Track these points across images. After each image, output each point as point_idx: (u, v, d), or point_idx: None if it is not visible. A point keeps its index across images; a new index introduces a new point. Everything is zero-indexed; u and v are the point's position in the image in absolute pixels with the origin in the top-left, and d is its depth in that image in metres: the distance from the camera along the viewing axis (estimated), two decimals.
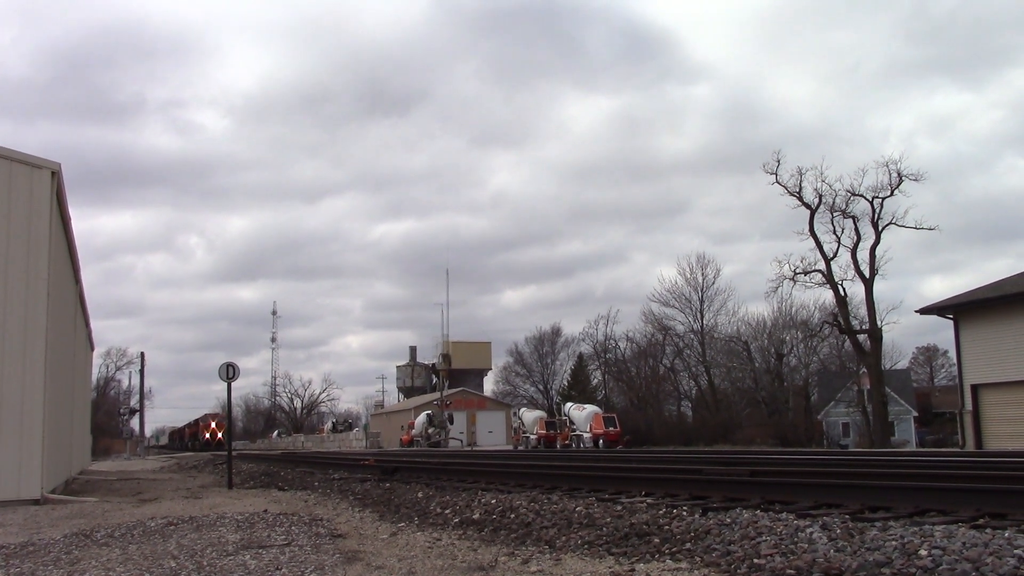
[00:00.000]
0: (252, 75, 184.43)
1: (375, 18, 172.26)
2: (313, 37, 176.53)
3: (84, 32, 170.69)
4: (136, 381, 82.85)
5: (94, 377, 77.87)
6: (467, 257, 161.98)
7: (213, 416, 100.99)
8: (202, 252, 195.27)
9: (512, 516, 10.04)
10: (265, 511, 12.89)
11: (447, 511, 11.29)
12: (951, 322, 35.36)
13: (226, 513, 12.75)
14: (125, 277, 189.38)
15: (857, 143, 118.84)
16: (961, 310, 34.80)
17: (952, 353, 42.19)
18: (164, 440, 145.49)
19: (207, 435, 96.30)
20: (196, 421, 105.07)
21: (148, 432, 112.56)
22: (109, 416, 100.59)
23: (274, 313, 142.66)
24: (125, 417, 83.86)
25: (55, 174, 17.40)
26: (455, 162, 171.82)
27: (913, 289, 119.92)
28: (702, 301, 76.53)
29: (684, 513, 8.81)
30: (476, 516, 10.51)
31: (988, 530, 6.73)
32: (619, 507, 9.70)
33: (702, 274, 76.81)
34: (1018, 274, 36.09)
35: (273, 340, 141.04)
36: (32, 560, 8.81)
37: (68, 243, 22.15)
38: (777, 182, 49.09)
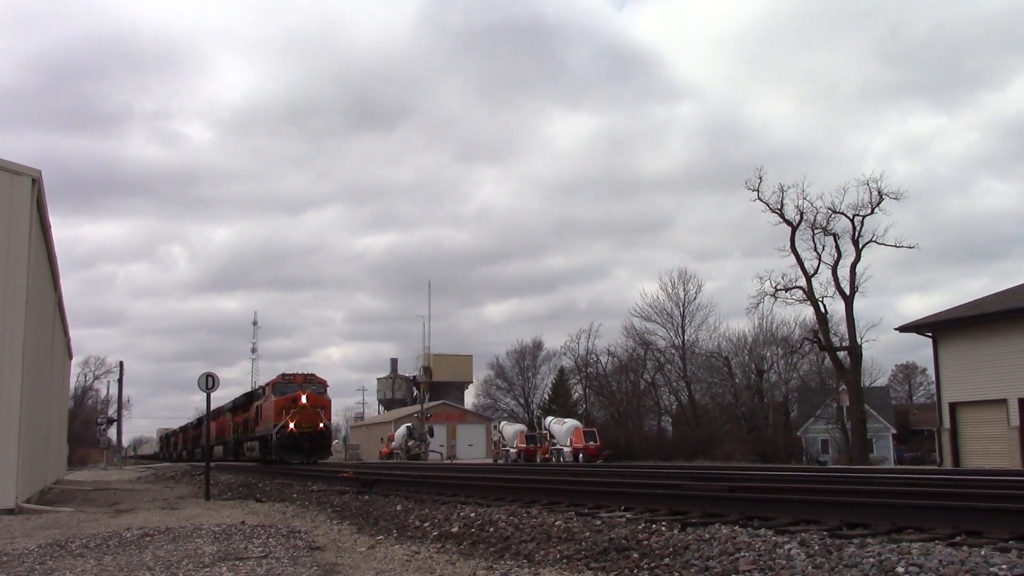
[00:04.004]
0: (239, 88, 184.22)
1: (363, 34, 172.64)
2: (301, 52, 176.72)
3: (74, 42, 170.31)
4: (114, 390, 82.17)
5: (72, 386, 77.24)
6: (450, 270, 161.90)
7: (303, 381, 45.54)
8: (184, 262, 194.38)
9: (491, 530, 10.02)
10: (242, 523, 12.79)
11: (426, 524, 11.25)
12: (930, 340, 35.62)
13: (203, 524, 12.65)
14: (106, 286, 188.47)
15: (835, 163, 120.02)
16: (940, 328, 35.05)
17: (931, 371, 42.54)
18: (153, 448, 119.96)
19: (291, 424, 42.57)
20: (247, 398, 52.90)
21: (126, 442, 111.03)
22: (86, 425, 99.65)
23: (255, 324, 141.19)
24: (102, 427, 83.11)
25: (35, 181, 17.30)
26: (439, 176, 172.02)
27: (891, 307, 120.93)
28: (683, 316, 76.79)
29: (663, 528, 8.81)
30: (455, 529, 10.48)
31: (965, 548, 6.77)
32: (598, 522, 9.69)
33: (684, 290, 77.12)
34: (996, 293, 36.40)
35: (254, 351, 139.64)
36: (5, 571, 8.71)
37: (48, 250, 22.01)
38: (759, 199, 49.42)
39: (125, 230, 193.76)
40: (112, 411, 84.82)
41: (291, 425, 41.59)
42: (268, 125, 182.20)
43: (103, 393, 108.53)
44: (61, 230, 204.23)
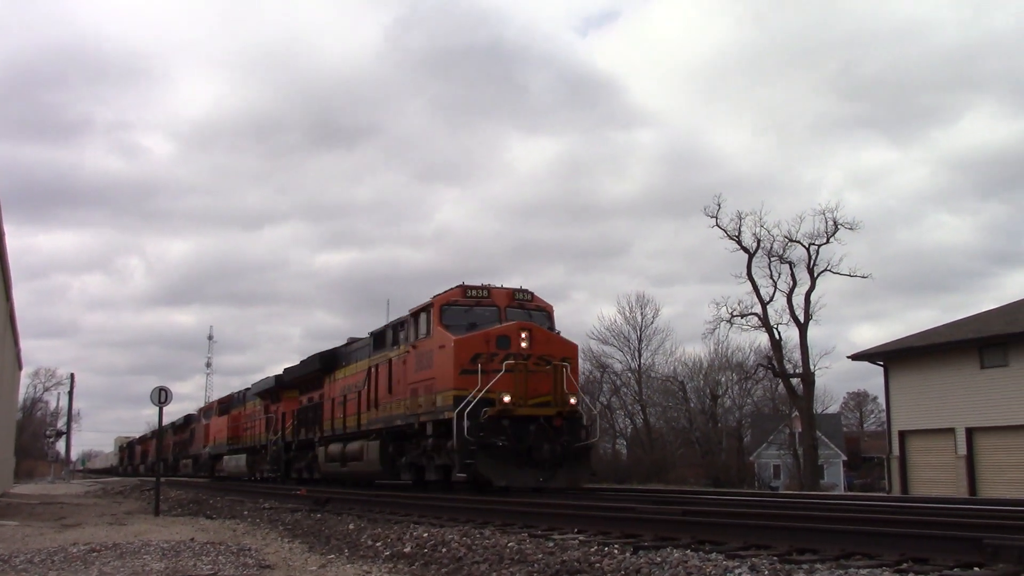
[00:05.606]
0: (201, 102, 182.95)
1: (327, 53, 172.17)
2: (265, 69, 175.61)
3: (35, 50, 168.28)
4: (64, 403, 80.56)
5: (21, 397, 75.72)
6: (408, 289, 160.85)
7: (508, 302, 20.49)
8: (140, 275, 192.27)
9: (444, 550, 9.99)
10: (192, 539, 12.64)
11: (378, 543, 11.19)
12: (881, 369, 36.15)
13: (151, 541, 12.48)
14: (60, 297, 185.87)
15: (791, 194, 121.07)
16: (891, 358, 35.59)
17: (881, 399, 43.16)
18: (111, 460, 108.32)
19: (506, 396, 18.20)
20: (325, 360, 27.56)
21: (74, 455, 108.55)
22: (35, 438, 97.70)
23: (210, 338, 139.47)
24: (51, 439, 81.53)
25: None
26: (399, 196, 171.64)
27: (844, 336, 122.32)
28: (640, 340, 77.04)
29: (615, 551, 8.85)
30: (407, 549, 10.44)
31: (911, 574, 6.88)
32: (551, 544, 9.71)
33: (641, 314, 77.42)
34: (945, 325, 37.04)
35: (208, 365, 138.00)
36: None
37: (0, 259, 21.66)
38: (717, 225, 49.82)
39: (80, 241, 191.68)
40: (61, 423, 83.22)
41: (506, 398, 18.42)
42: (229, 140, 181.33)
43: (53, 405, 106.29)
44: (15, 239, 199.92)
